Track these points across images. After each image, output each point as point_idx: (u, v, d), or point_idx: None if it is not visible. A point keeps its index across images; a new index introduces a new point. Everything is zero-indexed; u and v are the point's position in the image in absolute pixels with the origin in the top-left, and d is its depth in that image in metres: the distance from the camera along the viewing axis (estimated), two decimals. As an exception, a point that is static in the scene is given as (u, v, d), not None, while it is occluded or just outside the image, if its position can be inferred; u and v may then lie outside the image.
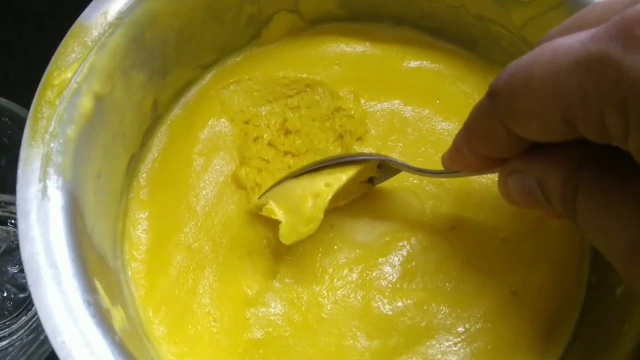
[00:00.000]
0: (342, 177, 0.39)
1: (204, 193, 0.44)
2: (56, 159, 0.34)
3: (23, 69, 0.56)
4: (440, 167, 0.37)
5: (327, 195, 0.38)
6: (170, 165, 0.45)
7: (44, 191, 0.33)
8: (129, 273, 0.42)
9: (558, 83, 0.23)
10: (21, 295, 0.50)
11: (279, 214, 0.39)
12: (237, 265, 0.42)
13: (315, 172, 0.40)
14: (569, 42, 0.24)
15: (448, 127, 0.45)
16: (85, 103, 0.36)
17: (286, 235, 0.39)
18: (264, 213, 0.40)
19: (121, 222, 0.42)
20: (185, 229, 0.43)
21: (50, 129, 0.34)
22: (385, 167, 0.41)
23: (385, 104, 0.46)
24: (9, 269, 0.50)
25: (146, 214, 0.43)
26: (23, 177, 0.33)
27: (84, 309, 0.32)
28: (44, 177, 0.34)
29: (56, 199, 0.34)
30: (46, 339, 0.45)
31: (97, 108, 0.37)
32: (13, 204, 0.44)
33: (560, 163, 0.27)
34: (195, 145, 0.45)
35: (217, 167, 0.45)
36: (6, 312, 0.49)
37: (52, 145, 0.34)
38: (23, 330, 0.48)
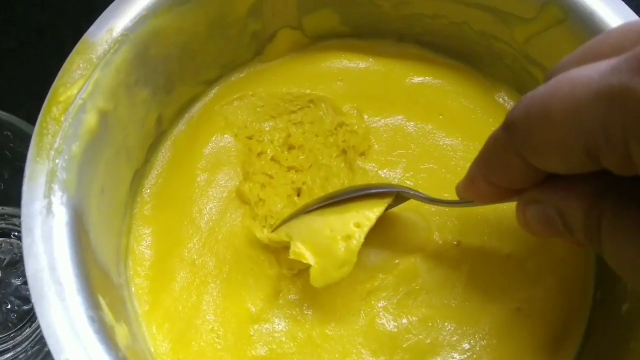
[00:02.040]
0: (371, 216, 0.38)
1: (207, 208, 0.44)
2: (61, 175, 0.34)
3: (25, 79, 0.56)
4: (448, 191, 0.37)
5: (359, 237, 0.37)
6: (174, 180, 0.45)
7: (48, 207, 0.33)
8: (133, 289, 0.41)
9: (579, 115, 0.23)
10: (25, 307, 0.49)
11: (308, 257, 0.38)
12: (241, 282, 0.42)
13: (335, 207, 0.39)
14: (588, 74, 0.23)
15: (451, 143, 0.45)
16: (90, 119, 0.36)
17: (318, 280, 0.38)
18: (292, 256, 0.38)
19: (125, 238, 0.42)
20: (189, 245, 0.43)
21: (56, 145, 0.35)
22: (400, 196, 0.40)
23: (388, 119, 0.46)
24: (13, 281, 0.50)
25: (150, 230, 0.43)
26: (28, 193, 0.33)
27: (88, 326, 0.32)
28: (48, 193, 0.34)
29: (61, 215, 0.34)
30: (47, 356, 0.45)
31: (101, 124, 0.37)
32: (16, 216, 0.44)
33: (581, 192, 0.27)
34: (199, 160, 0.45)
35: (221, 182, 0.45)
36: (10, 324, 0.49)
37: (57, 161, 0.34)
38: (27, 342, 0.48)
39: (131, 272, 0.42)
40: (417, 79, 0.47)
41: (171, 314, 0.41)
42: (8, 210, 0.51)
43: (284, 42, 0.48)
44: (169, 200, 0.44)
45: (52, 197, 0.34)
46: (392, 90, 0.47)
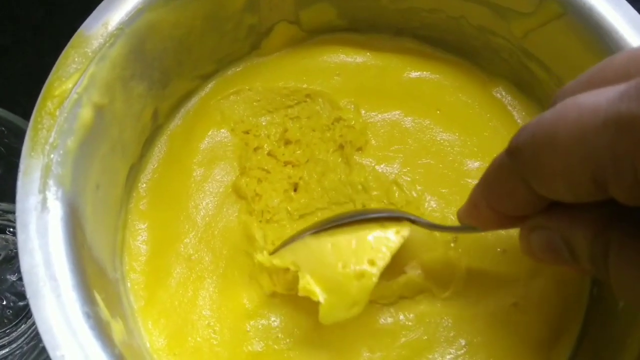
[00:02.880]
0: (386, 254, 0.36)
1: (204, 203, 0.44)
2: (56, 170, 0.34)
3: (20, 76, 0.56)
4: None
5: (374, 277, 0.36)
6: (170, 175, 0.45)
7: (43, 202, 0.33)
8: (129, 284, 0.41)
9: (586, 143, 0.23)
10: (20, 304, 0.49)
11: (319, 294, 0.36)
12: (237, 277, 0.41)
13: (341, 230, 0.38)
14: (595, 100, 0.23)
15: (449, 138, 0.45)
16: (86, 114, 0.36)
17: (327, 318, 0.36)
18: (301, 293, 0.36)
19: (121, 233, 0.42)
20: (185, 240, 0.42)
21: (51, 139, 0.34)
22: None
23: (385, 114, 0.46)
24: (8, 277, 0.50)
25: (146, 225, 0.43)
26: (23, 188, 0.33)
27: (84, 322, 0.32)
28: (43, 189, 0.33)
29: (56, 211, 0.33)
30: (43, 351, 0.44)
31: (97, 119, 0.37)
32: (11, 212, 0.44)
33: (587, 220, 0.26)
34: (195, 155, 0.45)
35: (217, 177, 0.44)
36: (6, 321, 0.49)
37: (52, 156, 0.34)
38: (23, 338, 0.48)
39: (127, 268, 0.42)
40: (414, 74, 0.47)
41: (167, 310, 0.41)
42: (3, 206, 0.51)
43: (280, 37, 0.47)
44: (165, 195, 0.44)
45: (47, 192, 0.33)
46: (389, 85, 0.47)
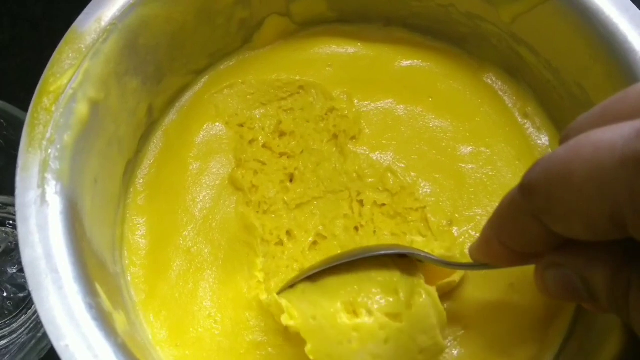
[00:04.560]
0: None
1: (201, 196, 0.44)
2: (54, 165, 0.34)
3: (19, 71, 0.57)
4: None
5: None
6: (167, 170, 0.45)
7: (42, 197, 0.34)
8: (129, 278, 0.42)
9: (603, 181, 0.22)
10: (21, 295, 0.50)
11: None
12: (237, 268, 0.42)
13: (350, 274, 0.37)
14: (611, 138, 0.22)
15: (441, 125, 0.45)
16: (81, 109, 0.36)
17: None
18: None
19: (119, 228, 0.43)
20: (183, 233, 0.43)
21: (47, 135, 0.35)
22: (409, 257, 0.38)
23: (378, 103, 0.46)
24: (8, 269, 0.50)
25: (144, 219, 0.44)
26: (22, 183, 0.34)
27: (86, 313, 0.32)
28: (42, 183, 0.34)
29: (55, 205, 0.34)
30: (44, 337, 0.45)
31: (92, 114, 0.37)
32: (11, 205, 0.45)
33: (605, 258, 0.26)
34: (191, 149, 0.45)
35: (214, 170, 0.45)
36: (6, 312, 0.50)
37: (49, 151, 0.34)
38: (23, 329, 0.48)
39: (127, 262, 0.42)
40: (405, 63, 0.48)
41: (168, 302, 0.41)
42: (2, 198, 0.51)
43: (272, 30, 0.48)
44: (163, 190, 0.45)
45: (46, 187, 0.34)
46: (381, 75, 0.47)
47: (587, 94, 0.40)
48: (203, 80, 0.48)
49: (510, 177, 0.43)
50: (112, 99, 0.39)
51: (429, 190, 0.43)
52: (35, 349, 0.44)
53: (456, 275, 0.39)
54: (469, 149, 0.44)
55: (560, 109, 0.44)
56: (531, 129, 0.45)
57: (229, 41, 0.47)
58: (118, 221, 0.43)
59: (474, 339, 0.39)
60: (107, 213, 0.41)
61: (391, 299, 0.36)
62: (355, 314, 0.36)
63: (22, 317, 0.49)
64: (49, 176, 0.34)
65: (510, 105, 0.46)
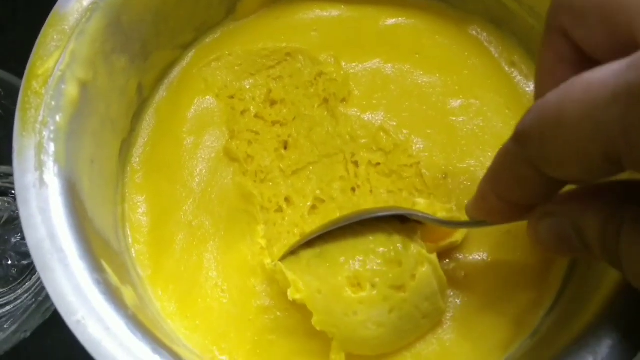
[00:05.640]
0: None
1: (198, 170, 0.44)
2: (49, 147, 0.35)
3: (14, 44, 0.56)
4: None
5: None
6: (162, 147, 0.45)
7: (41, 179, 0.34)
8: (134, 255, 0.42)
9: (595, 118, 0.22)
10: (24, 262, 0.52)
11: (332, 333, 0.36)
12: (239, 237, 0.42)
13: (348, 245, 0.37)
14: (602, 74, 0.22)
15: (430, 80, 0.46)
16: (71, 90, 0.36)
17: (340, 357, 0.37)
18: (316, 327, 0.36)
19: (120, 207, 0.43)
20: (184, 208, 0.43)
21: (40, 118, 0.35)
22: (405, 218, 0.38)
23: (366, 64, 0.46)
24: (12, 238, 0.51)
25: (144, 197, 0.44)
26: (19, 167, 0.34)
27: (94, 287, 0.33)
28: (39, 166, 0.34)
29: (54, 186, 0.34)
30: (47, 299, 0.46)
31: (82, 95, 0.37)
32: (12, 174, 0.45)
33: (598, 204, 0.26)
34: (184, 124, 0.46)
35: (208, 143, 0.45)
36: (11, 279, 0.51)
37: (43, 133, 0.35)
38: (27, 295, 0.50)
39: (130, 240, 0.43)
40: (390, 21, 0.48)
41: (174, 276, 0.42)
42: (3, 169, 0.52)
43: (255, -2, 0.48)
44: (159, 167, 0.45)
45: (43, 169, 0.34)
46: (366, 35, 0.47)
47: (572, 37, 0.40)
48: (190, 54, 0.48)
49: (500, 126, 0.44)
50: (101, 79, 0.39)
51: (421, 146, 0.43)
52: (39, 310, 0.45)
53: (458, 235, 0.39)
54: (459, 101, 0.45)
55: (546, 54, 0.44)
56: (519, 77, 0.45)
57: (212, 13, 0.47)
58: (118, 200, 0.43)
59: (474, 286, 0.40)
60: (107, 193, 0.41)
61: (395, 271, 0.36)
62: (359, 286, 0.36)
63: (27, 284, 0.50)
64: (45, 158, 0.34)
65: (496, 56, 0.46)
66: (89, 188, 0.38)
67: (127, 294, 0.36)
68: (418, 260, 0.36)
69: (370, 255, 0.37)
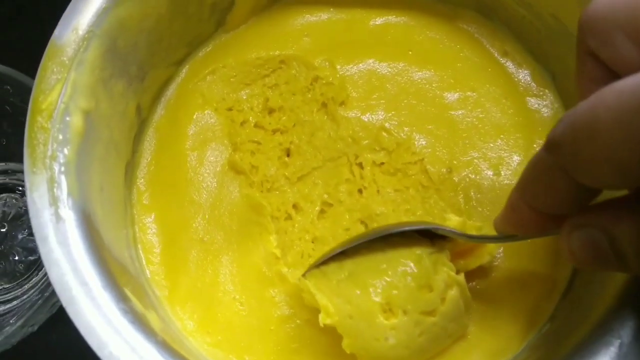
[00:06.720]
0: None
1: (204, 186, 0.45)
2: (61, 181, 0.35)
3: (20, 42, 0.56)
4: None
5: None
6: (165, 165, 0.45)
7: (56, 214, 0.34)
8: (149, 276, 0.42)
9: (630, 125, 0.22)
10: (31, 258, 0.52)
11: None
12: (252, 247, 0.43)
13: (375, 261, 0.37)
14: (632, 81, 0.22)
15: (425, 76, 0.46)
16: (76, 121, 0.36)
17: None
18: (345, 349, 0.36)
19: (130, 230, 0.43)
20: (194, 224, 0.44)
21: (49, 152, 0.35)
22: (431, 233, 0.38)
23: (360, 65, 0.47)
24: (19, 234, 0.52)
25: (152, 218, 0.44)
26: (34, 204, 0.34)
27: (122, 318, 0.33)
28: (54, 201, 0.34)
29: (70, 219, 0.34)
30: (53, 294, 0.46)
31: (87, 124, 0.37)
32: (20, 171, 0.46)
33: (631, 212, 0.25)
34: (186, 141, 0.46)
35: (212, 158, 0.45)
36: (18, 274, 0.52)
37: (54, 168, 0.35)
38: (34, 290, 0.50)
39: (144, 261, 0.43)
40: (380, 20, 0.48)
41: (191, 293, 0.42)
42: (11, 165, 0.52)
43: (243, 8, 0.47)
44: (165, 186, 0.45)
45: (58, 204, 0.34)
46: (358, 36, 0.48)
47: (564, 24, 0.41)
48: (184, 70, 0.48)
49: (499, 116, 0.44)
50: (102, 106, 0.39)
51: (424, 142, 0.44)
52: (46, 305, 0.45)
53: (487, 257, 0.39)
54: (456, 95, 0.45)
55: (538, 42, 0.44)
56: (512, 66, 0.46)
57: (203, 27, 0.47)
58: (128, 223, 0.43)
59: (490, 278, 0.40)
60: (117, 217, 0.41)
61: (426, 297, 0.36)
62: (391, 312, 0.36)
63: (33, 279, 0.50)
64: (58, 192, 0.34)
65: (488, 47, 0.47)
66: (102, 216, 0.38)
67: (153, 319, 0.36)
68: (447, 283, 0.36)
69: (402, 280, 0.36)
